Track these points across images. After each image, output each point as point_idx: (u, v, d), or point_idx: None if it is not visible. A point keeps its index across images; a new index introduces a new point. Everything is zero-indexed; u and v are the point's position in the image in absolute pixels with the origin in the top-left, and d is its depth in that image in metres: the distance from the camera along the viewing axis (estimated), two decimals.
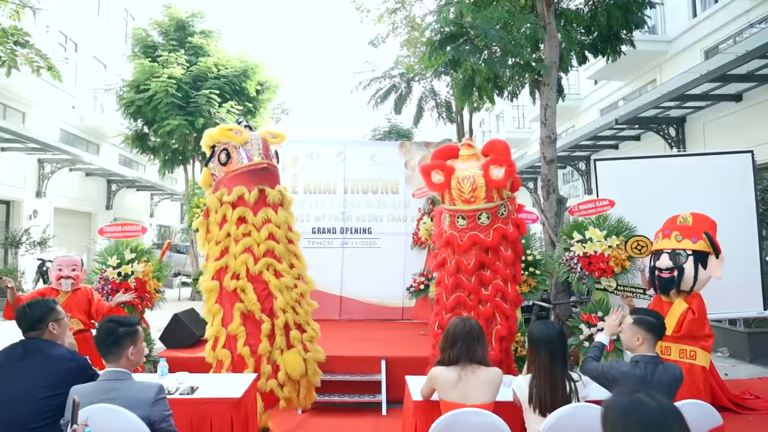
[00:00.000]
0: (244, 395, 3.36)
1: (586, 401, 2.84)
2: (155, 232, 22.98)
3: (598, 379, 3.02)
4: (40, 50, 5.67)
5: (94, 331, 2.78)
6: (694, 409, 2.40)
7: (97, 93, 17.44)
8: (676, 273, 4.48)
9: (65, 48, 16.65)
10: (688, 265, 4.44)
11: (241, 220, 4.34)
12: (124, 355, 2.65)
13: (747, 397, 4.98)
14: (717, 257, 4.47)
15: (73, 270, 4.69)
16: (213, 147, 4.50)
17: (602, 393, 3.33)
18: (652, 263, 4.76)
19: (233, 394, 3.32)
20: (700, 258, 4.45)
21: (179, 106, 13.20)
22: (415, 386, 3.50)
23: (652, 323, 3.01)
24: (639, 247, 5.07)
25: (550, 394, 2.76)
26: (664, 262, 4.55)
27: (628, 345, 3.07)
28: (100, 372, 2.70)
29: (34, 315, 2.85)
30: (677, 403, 2.56)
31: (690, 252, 4.48)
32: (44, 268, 12.43)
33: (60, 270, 4.64)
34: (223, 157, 4.42)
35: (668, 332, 4.35)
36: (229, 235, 4.34)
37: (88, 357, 3.11)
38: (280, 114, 24.48)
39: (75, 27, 16.79)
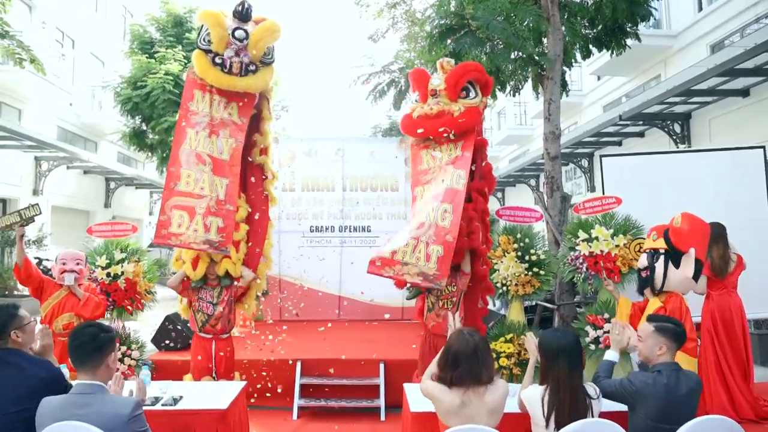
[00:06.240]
0: (230, 406, 3.19)
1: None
2: (154, 230, 22.79)
3: (615, 396, 2.81)
4: (22, 42, 5.50)
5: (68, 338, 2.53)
6: (717, 426, 2.21)
7: (94, 90, 17.24)
8: (649, 272, 4.40)
9: (62, 44, 16.46)
10: (659, 264, 4.36)
11: None
12: (104, 363, 2.47)
13: (762, 404, 4.78)
14: (679, 258, 4.31)
15: (77, 264, 4.57)
16: None
17: (612, 406, 3.12)
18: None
19: (219, 405, 3.14)
20: (672, 257, 4.32)
21: (177, 102, 13.02)
22: (414, 395, 3.32)
23: (675, 331, 2.83)
24: (641, 250, 4.94)
25: (570, 407, 2.53)
26: (642, 261, 4.52)
27: (647, 354, 2.86)
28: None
29: None
30: (699, 420, 2.38)
31: (663, 251, 4.38)
32: (41, 267, 12.26)
33: (64, 264, 4.50)
34: None
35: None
36: None
37: (65, 365, 2.94)
38: (279, 111, 24.26)
39: (72, 23, 16.58)
